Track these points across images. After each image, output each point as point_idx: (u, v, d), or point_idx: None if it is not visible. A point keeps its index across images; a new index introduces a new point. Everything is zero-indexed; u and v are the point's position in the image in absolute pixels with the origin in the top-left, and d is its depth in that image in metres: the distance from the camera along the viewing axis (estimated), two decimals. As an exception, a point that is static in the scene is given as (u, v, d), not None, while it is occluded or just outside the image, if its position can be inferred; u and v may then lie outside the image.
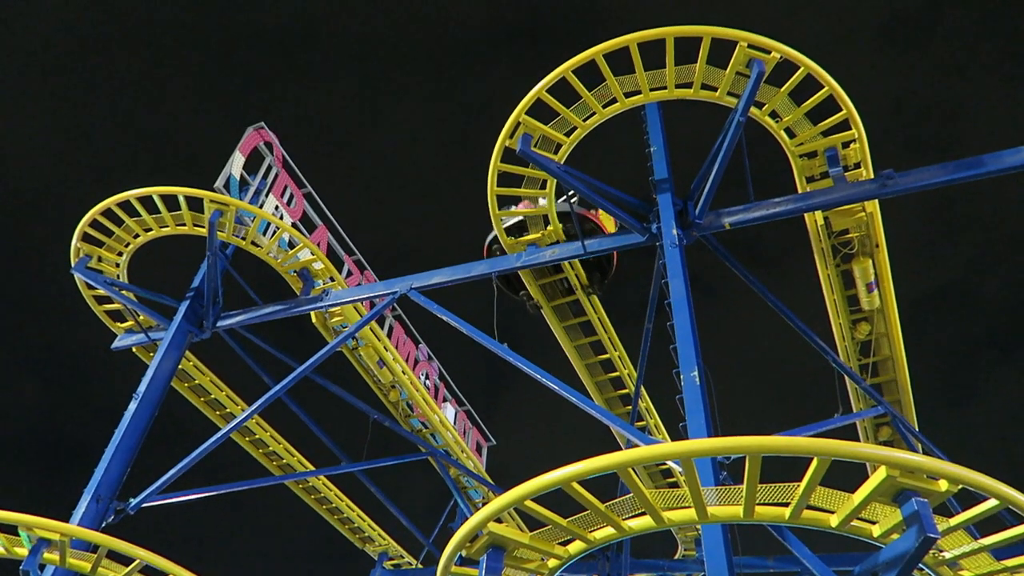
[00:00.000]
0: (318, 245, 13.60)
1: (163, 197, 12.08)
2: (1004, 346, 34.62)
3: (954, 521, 6.12)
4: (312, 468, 16.32)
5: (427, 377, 16.50)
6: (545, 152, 10.64)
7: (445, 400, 17.34)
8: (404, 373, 15.12)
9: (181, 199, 12.11)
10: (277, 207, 13.45)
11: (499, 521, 6.58)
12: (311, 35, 35.47)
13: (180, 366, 13.22)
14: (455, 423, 17.33)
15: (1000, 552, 6.82)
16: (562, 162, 10.77)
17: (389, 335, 15.10)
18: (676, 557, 18.69)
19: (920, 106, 32.02)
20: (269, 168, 13.72)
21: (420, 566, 18.94)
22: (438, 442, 16.70)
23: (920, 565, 6.42)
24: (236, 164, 12.89)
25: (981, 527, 7.35)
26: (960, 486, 5.41)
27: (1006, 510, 5.71)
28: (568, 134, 10.62)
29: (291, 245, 13.24)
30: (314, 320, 13.67)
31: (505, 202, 11.86)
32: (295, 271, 13.31)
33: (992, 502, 5.57)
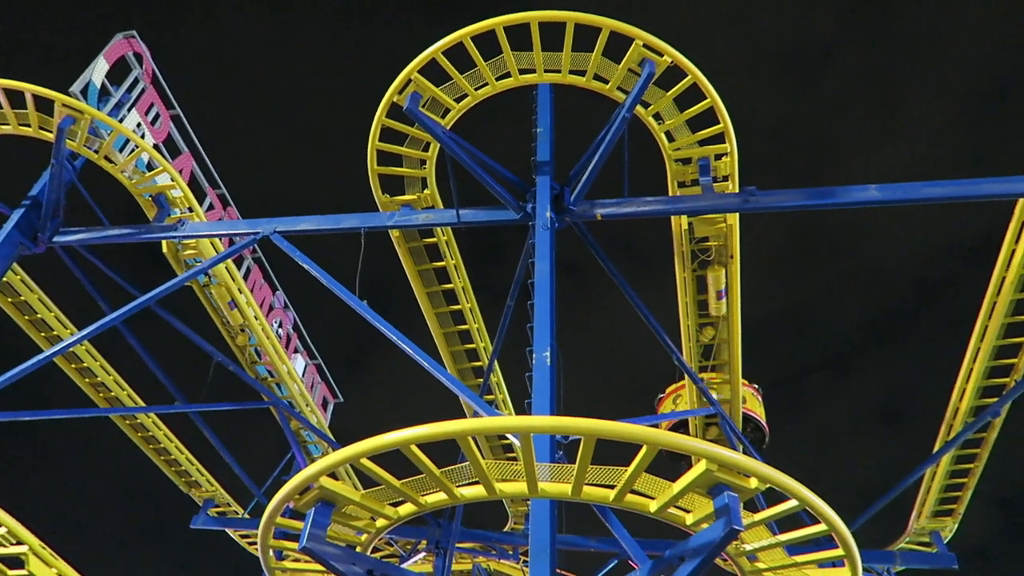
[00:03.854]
0: (180, 172, 12.81)
1: (7, 92, 10.97)
2: (837, 369, 37.74)
3: (758, 517, 6.63)
4: (143, 404, 15.49)
5: (280, 326, 15.99)
6: (433, 115, 10.51)
7: (296, 352, 16.88)
8: (256, 318, 14.57)
9: (28, 97, 11.05)
10: (139, 124, 12.53)
11: (335, 478, 6.50)
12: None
13: (5, 279, 12.14)
14: (303, 376, 16.93)
15: (793, 549, 7.49)
16: (448, 128, 10.69)
17: (245, 277, 14.47)
18: (505, 529, 19.23)
19: (799, 136, 34.06)
20: (136, 82, 12.75)
21: (248, 516, 18.43)
22: (283, 393, 16.26)
23: (723, 554, 6.94)
24: (98, 70, 11.88)
25: (781, 525, 8.03)
26: (768, 485, 5.86)
27: (804, 511, 6.24)
28: (458, 100, 10.55)
29: (150, 167, 12.39)
30: (165, 250, 12.86)
31: (386, 159, 11.63)
32: (150, 195, 12.45)
33: (793, 503, 6.07)
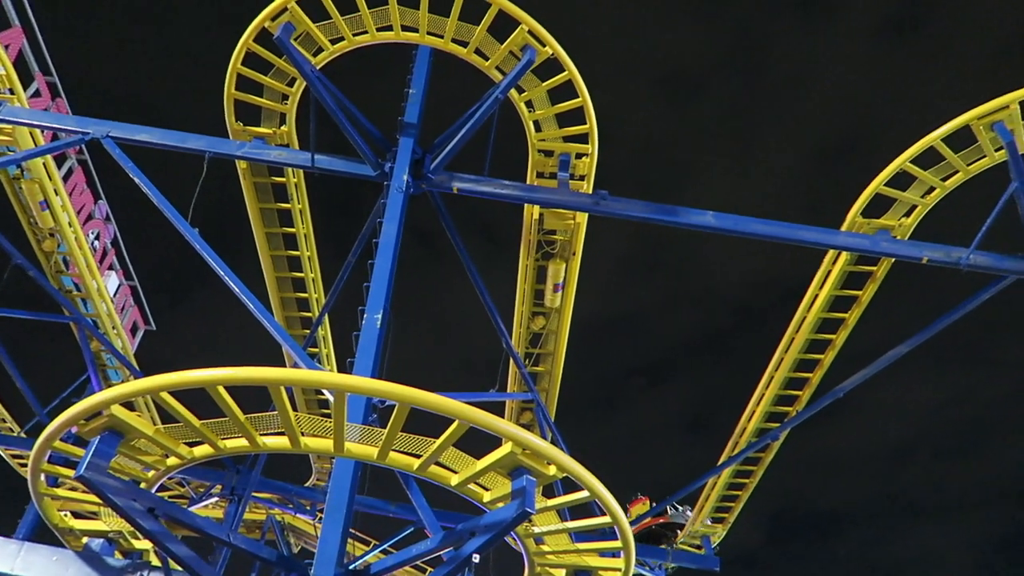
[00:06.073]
0: (6, 48, 11.46)
1: None
2: (653, 378, 40.30)
3: (551, 503, 6.94)
4: (-82, 296, 13.81)
5: (97, 238, 14.76)
6: (304, 51, 10.05)
7: (112, 269, 15.66)
8: (70, 225, 13.37)
9: None
10: (-35, -16, 11.08)
11: (131, 408, 6.10)
12: None
13: None
14: (115, 296, 15.74)
15: (580, 537, 7.92)
16: (318, 68, 10.26)
17: (65, 179, 13.23)
18: (306, 485, 18.89)
19: (660, 152, 35.71)
20: (-33, -67, 11.26)
21: (24, 435, 16.90)
22: (88, 310, 15.04)
23: (512, 534, 7.21)
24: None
25: (573, 512, 8.45)
26: (565, 474, 6.13)
27: (595, 502, 6.59)
28: (334, 42, 10.15)
29: (-30, 34, 11.00)
30: (-27, 131, 11.49)
31: (247, 86, 10.98)
32: (-34, 66, 11.07)
33: (584, 493, 6.39)
